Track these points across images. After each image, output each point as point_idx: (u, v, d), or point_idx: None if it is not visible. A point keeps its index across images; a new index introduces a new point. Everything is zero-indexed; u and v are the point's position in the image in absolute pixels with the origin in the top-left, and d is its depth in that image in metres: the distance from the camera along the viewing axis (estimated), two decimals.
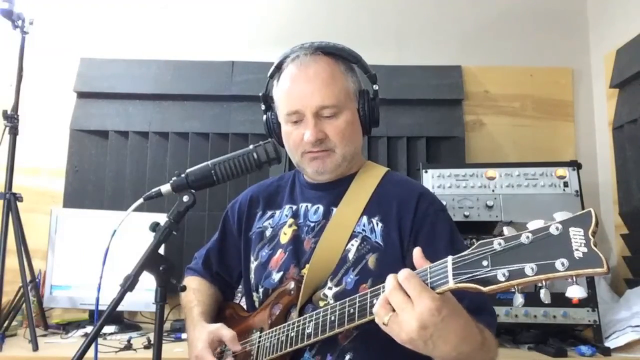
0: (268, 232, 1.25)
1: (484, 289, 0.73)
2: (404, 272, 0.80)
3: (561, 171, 2.01)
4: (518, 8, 2.64)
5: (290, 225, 1.22)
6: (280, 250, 1.20)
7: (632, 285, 2.08)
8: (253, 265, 1.25)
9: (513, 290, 0.72)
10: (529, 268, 0.69)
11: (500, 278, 0.72)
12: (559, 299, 1.76)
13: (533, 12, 2.63)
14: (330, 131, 1.13)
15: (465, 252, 0.77)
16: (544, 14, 2.63)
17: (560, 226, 0.69)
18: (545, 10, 2.64)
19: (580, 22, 2.63)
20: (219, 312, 1.33)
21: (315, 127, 1.12)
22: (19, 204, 2.00)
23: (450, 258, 0.79)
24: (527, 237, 0.71)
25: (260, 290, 1.20)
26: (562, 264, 0.67)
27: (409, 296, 0.77)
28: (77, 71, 2.51)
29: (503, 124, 2.57)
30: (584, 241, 0.66)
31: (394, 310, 0.79)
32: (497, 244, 0.73)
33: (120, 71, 2.52)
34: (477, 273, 0.74)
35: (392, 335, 0.80)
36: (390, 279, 0.80)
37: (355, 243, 1.12)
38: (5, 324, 1.94)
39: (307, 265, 1.13)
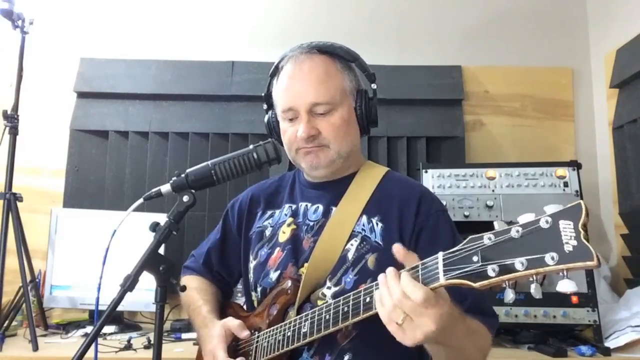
0: (268, 232, 1.25)
1: (475, 285, 0.73)
2: (390, 272, 0.82)
3: (561, 171, 2.01)
4: (518, 8, 2.64)
5: (289, 224, 1.22)
6: (278, 249, 1.20)
7: (632, 285, 2.08)
8: (252, 264, 1.25)
9: (504, 285, 0.72)
10: (519, 263, 0.69)
11: (491, 273, 0.71)
12: (559, 299, 1.78)
13: (533, 12, 2.63)
14: (324, 128, 1.13)
15: (456, 248, 0.77)
16: (544, 14, 2.63)
17: (550, 219, 0.68)
18: (545, 10, 2.64)
19: (580, 22, 2.63)
20: (220, 311, 1.33)
21: (307, 124, 1.12)
22: (19, 204, 2.00)
23: (441, 254, 0.79)
24: (517, 231, 0.70)
25: (259, 289, 1.20)
26: (552, 258, 0.66)
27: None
28: (77, 71, 2.51)
29: (503, 124, 2.57)
30: (574, 234, 0.66)
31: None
32: (487, 238, 0.73)
33: (120, 71, 2.52)
34: (468, 269, 0.74)
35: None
36: (393, 285, 0.81)
37: (354, 243, 1.12)
38: (5, 324, 1.95)
39: (306, 264, 1.13)
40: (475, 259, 0.74)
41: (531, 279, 0.69)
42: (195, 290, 1.31)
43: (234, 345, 1.18)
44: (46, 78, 2.52)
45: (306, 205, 1.23)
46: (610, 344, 1.77)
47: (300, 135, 1.12)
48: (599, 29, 2.56)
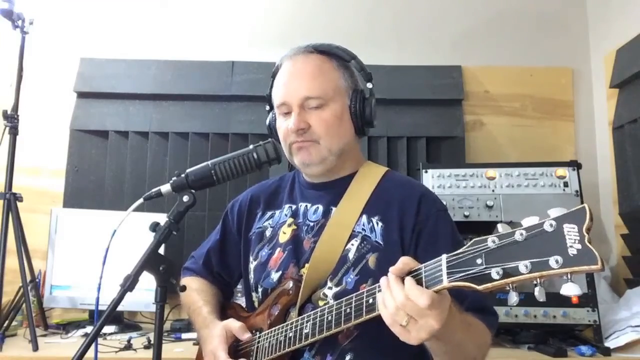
0: (268, 232, 1.25)
1: (479, 288, 0.73)
2: (391, 277, 0.82)
3: (561, 171, 2.01)
4: (518, 8, 2.64)
5: (289, 225, 1.22)
6: (278, 250, 1.20)
7: (632, 285, 2.08)
8: (252, 265, 1.25)
9: (508, 288, 0.72)
10: (523, 266, 0.69)
11: (495, 276, 0.71)
12: (559, 299, 1.78)
13: (533, 12, 2.63)
14: (314, 122, 1.14)
15: (460, 250, 0.77)
16: (544, 14, 2.63)
17: (554, 223, 0.68)
18: (545, 10, 2.64)
19: (580, 22, 2.63)
20: (221, 312, 1.33)
21: (298, 116, 1.13)
22: (19, 204, 2.00)
23: (444, 256, 0.79)
24: (521, 234, 0.70)
25: (260, 290, 1.20)
26: (557, 261, 0.66)
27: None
28: (77, 71, 2.51)
29: (503, 124, 2.56)
30: (578, 238, 0.66)
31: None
32: (491, 241, 0.73)
33: (120, 71, 2.52)
34: (472, 271, 0.74)
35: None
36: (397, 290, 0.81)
37: (355, 243, 1.12)
38: (5, 324, 1.94)
39: (307, 265, 1.13)
40: (479, 261, 0.74)
41: (535, 282, 0.69)
42: (196, 291, 1.31)
43: (235, 346, 1.18)
44: (46, 78, 2.52)
45: (306, 206, 1.23)
46: (610, 344, 1.77)
47: (290, 127, 1.13)
48: (598, 29, 2.56)
